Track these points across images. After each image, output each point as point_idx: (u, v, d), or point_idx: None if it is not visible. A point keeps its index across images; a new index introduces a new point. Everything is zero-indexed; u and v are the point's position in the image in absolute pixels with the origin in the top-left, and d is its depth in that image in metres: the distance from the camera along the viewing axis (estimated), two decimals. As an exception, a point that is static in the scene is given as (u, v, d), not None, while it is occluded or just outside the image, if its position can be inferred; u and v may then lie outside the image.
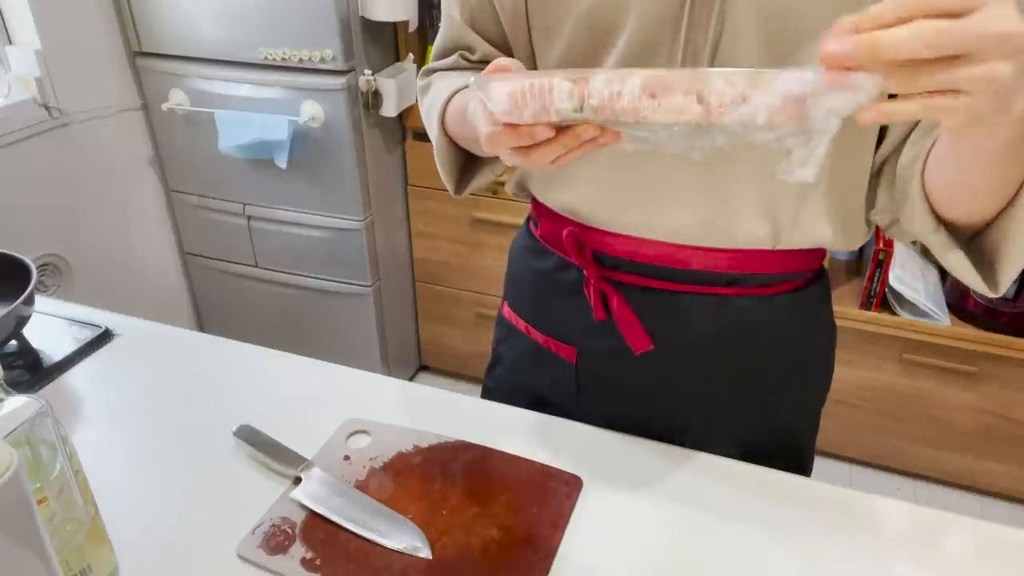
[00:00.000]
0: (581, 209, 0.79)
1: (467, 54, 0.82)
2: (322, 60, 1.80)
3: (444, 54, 0.85)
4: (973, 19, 0.41)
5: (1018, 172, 0.58)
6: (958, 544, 0.70)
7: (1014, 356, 1.76)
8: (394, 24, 1.92)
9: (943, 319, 1.81)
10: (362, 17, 1.79)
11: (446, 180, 0.83)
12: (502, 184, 0.98)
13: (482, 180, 0.85)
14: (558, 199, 0.81)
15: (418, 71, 2.17)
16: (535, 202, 0.87)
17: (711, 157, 0.70)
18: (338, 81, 1.82)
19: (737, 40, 0.65)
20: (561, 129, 0.55)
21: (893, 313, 1.85)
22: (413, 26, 1.90)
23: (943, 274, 1.95)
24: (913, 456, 2.00)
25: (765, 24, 0.64)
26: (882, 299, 1.85)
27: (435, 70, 0.86)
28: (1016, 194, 0.60)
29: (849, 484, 0.81)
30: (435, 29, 1.97)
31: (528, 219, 0.92)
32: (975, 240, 0.67)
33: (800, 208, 0.73)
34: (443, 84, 0.81)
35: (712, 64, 0.66)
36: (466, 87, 0.76)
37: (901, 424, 1.96)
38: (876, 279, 1.82)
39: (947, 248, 0.67)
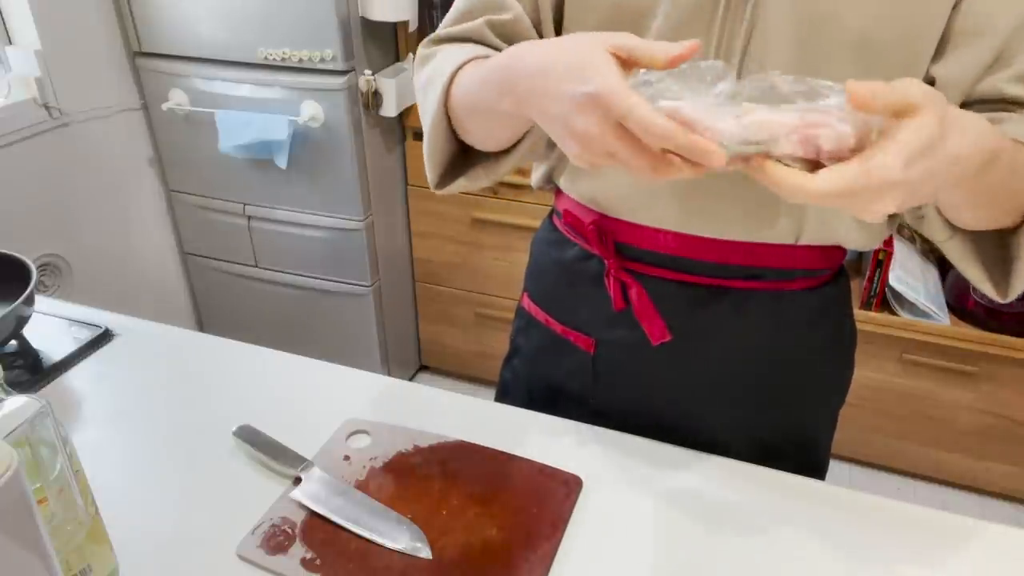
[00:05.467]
0: (604, 199, 0.79)
1: (494, 18, 0.74)
2: (322, 60, 1.80)
3: (464, 18, 0.76)
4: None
5: (1009, 203, 0.60)
6: (958, 544, 0.69)
7: (1014, 356, 1.77)
8: (394, 24, 1.92)
9: (943, 319, 1.81)
10: (362, 17, 1.79)
11: (431, 168, 0.74)
12: (502, 184, 0.96)
13: (469, 183, 0.76)
14: (582, 189, 0.81)
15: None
16: (559, 193, 0.87)
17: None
18: (338, 81, 1.82)
19: (767, 37, 0.65)
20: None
21: (893, 313, 1.84)
22: (413, 26, 1.90)
23: (943, 274, 1.95)
24: (913, 456, 2.00)
25: (796, 28, 0.64)
26: (882, 299, 1.85)
27: (445, 38, 0.77)
28: None
29: (849, 484, 0.81)
30: (435, 29, 1.97)
31: (550, 213, 0.92)
32: (996, 242, 0.68)
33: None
34: (454, 52, 0.72)
35: (743, 60, 0.66)
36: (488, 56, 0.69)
37: (901, 424, 1.96)
38: (876, 279, 1.82)
39: (961, 257, 0.69)
